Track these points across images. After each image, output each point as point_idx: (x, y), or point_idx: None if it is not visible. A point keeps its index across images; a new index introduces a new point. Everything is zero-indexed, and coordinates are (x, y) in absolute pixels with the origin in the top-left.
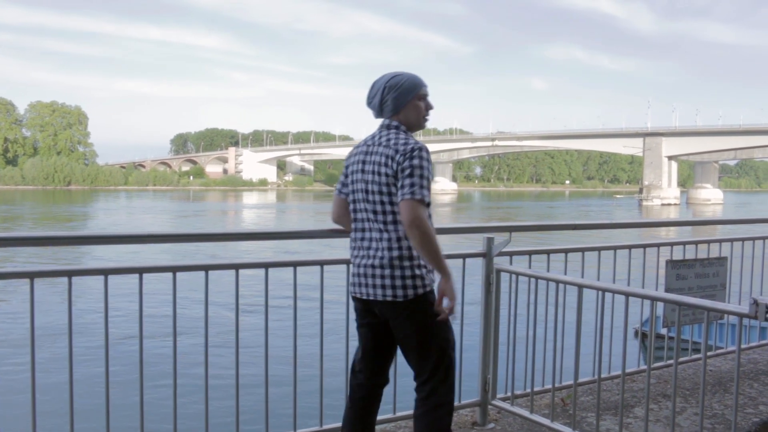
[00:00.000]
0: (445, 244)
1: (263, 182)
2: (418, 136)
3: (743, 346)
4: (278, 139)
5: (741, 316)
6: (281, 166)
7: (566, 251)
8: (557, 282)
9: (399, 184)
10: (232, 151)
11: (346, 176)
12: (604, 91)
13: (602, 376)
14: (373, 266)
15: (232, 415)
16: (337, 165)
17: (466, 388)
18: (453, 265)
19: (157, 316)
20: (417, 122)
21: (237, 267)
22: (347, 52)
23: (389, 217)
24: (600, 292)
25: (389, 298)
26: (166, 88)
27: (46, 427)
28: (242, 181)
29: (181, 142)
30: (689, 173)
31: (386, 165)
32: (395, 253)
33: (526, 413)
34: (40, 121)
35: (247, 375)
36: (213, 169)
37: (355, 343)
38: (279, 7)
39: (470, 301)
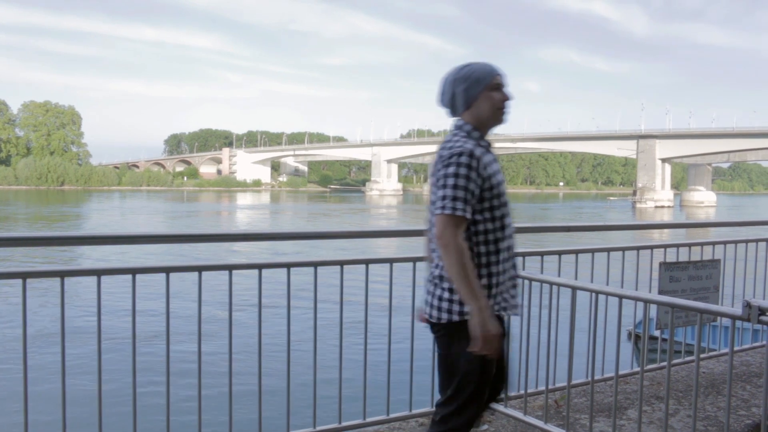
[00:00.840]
0: None
1: (257, 183)
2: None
3: (736, 348)
4: (272, 139)
5: (734, 318)
6: (275, 167)
7: (560, 253)
8: (551, 284)
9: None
10: (226, 152)
11: None
12: (598, 93)
13: (596, 378)
14: (427, 279)
15: (226, 415)
16: (331, 166)
17: None
18: None
19: (153, 314)
20: (492, 116)
21: (230, 268)
22: (341, 53)
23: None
24: (593, 294)
25: (426, 315)
26: (160, 88)
27: None
28: (236, 181)
29: (175, 143)
30: (683, 176)
31: (434, 174)
32: (436, 272)
33: (519, 415)
34: (34, 121)
35: (243, 374)
36: (207, 169)
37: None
38: (273, 8)
39: None
